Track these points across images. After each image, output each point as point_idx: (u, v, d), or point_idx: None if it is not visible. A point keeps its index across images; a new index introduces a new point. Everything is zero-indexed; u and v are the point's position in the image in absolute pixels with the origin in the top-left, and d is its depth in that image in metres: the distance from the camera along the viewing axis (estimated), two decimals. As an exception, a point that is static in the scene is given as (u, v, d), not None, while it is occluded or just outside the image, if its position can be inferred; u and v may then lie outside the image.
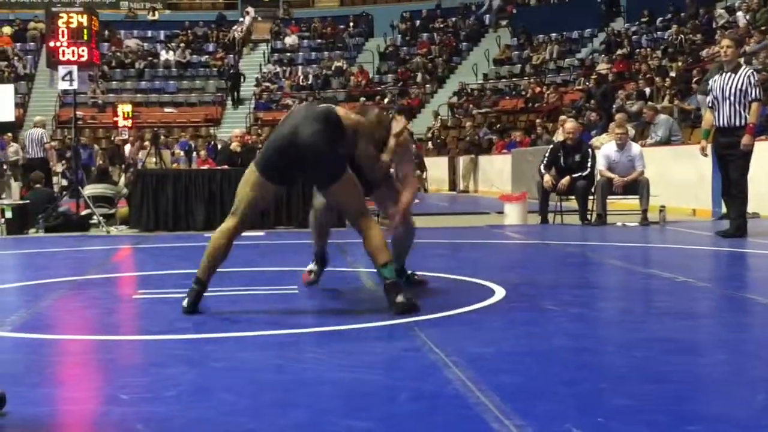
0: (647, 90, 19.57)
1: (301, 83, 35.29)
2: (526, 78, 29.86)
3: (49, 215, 11.84)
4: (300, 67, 36.45)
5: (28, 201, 12.44)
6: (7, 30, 36.92)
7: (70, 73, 12.28)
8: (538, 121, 23.81)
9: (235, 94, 34.27)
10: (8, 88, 31.21)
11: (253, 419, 2.94)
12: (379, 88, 34.27)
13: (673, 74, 19.91)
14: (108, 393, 3.36)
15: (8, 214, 11.46)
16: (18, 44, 36.47)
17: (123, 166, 23.57)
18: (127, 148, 25.95)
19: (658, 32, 26.58)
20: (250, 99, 34.24)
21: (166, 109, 34.07)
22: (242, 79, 34.78)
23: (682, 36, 23.67)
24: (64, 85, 12.36)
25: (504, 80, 31.18)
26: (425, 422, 2.85)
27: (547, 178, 11.46)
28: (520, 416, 2.83)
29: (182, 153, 25.05)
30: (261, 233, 10.46)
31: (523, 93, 28.40)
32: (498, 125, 26.39)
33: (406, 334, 4.27)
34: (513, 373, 3.50)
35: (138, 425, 2.84)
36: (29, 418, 3.05)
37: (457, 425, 2.80)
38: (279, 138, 4.83)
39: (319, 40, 38.20)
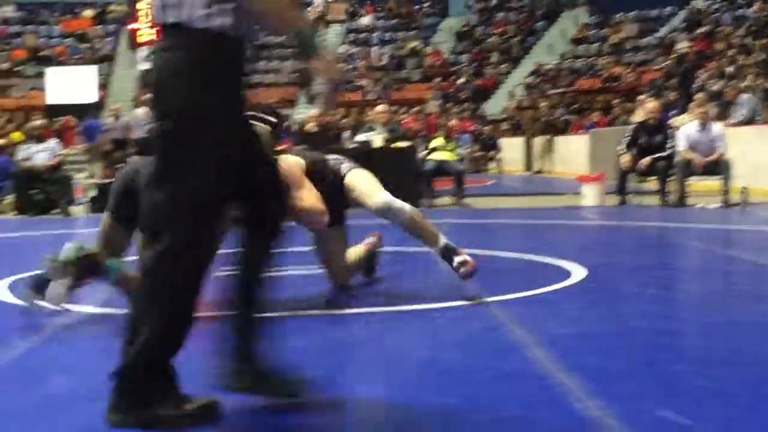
0: (729, 69, 19.16)
1: (375, 64, 35.33)
2: (603, 57, 29.45)
3: (131, 194, 12.07)
4: (375, 48, 36.47)
5: (112, 180, 12.71)
6: (88, 13, 37.58)
7: (150, 54, 12.49)
8: (615, 101, 23.47)
9: (308, 90, 33.90)
10: (92, 70, 32.00)
11: (335, 392, 2.99)
12: (453, 69, 34.13)
13: (756, 52, 19.44)
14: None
15: (93, 193, 11.75)
16: (99, 26, 37.11)
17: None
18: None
19: (741, 9, 25.97)
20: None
21: (244, 90, 34.38)
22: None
23: (767, 13, 23.09)
24: (144, 66, 12.60)
25: (581, 60, 30.79)
26: (507, 401, 2.87)
27: (627, 158, 11.34)
28: (603, 397, 2.83)
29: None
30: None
31: (601, 73, 28.02)
32: (575, 105, 26.09)
33: (485, 314, 4.29)
34: (594, 353, 3.50)
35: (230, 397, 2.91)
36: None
37: (539, 405, 2.81)
38: None
39: (394, 20, 38.13)
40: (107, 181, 12.88)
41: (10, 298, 4.97)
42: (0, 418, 2.71)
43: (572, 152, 21.82)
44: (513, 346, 3.61)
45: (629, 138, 11.56)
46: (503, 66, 33.29)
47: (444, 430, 2.58)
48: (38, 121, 14.60)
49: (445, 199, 12.51)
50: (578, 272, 5.56)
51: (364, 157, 11.61)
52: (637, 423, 2.59)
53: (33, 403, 2.89)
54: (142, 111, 17.77)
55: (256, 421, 2.76)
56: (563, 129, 24.20)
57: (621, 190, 11.64)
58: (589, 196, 11.73)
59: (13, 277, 5.70)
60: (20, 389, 3.07)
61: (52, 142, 12.39)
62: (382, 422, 2.65)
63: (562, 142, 23.35)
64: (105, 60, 35.37)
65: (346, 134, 16.14)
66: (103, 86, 33.60)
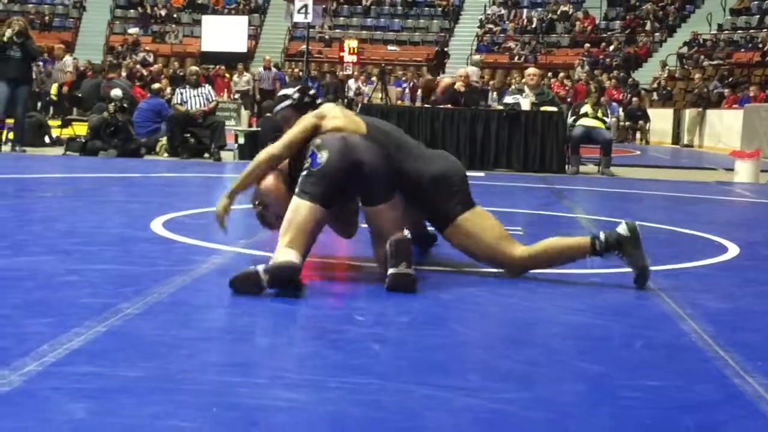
0: None
1: (525, 26, 34.82)
2: (765, 30, 28.23)
3: (278, 143, 12.30)
4: (525, 10, 35.92)
5: (259, 128, 12.97)
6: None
7: (305, 6, 12.64)
8: (775, 76, 22.54)
9: (439, 72, 32.47)
10: (242, 20, 32.67)
11: (485, 352, 2.98)
12: (604, 35, 33.33)
13: None
14: (344, 314, 3.49)
15: (241, 140, 12.00)
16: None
17: (345, 100, 24.13)
18: (351, 82, 26.55)
19: None
20: (472, 41, 34.13)
21: (390, 47, 34.46)
22: (446, 57, 33.16)
23: None
24: (299, 18, 12.75)
25: (740, 31, 29.58)
26: (661, 371, 2.79)
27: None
28: (762, 375, 2.73)
29: (407, 90, 25.29)
30: (481, 174, 10.48)
31: (761, 45, 26.87)
32: (730, 79, 25.15)
33: (637, 283, 4.19)
34: (753, 331, 3.38)
35: (375, 346, 2.94)
36: (270, 327, 3.22)
37: (696, 377, 2.73)
38: None
39: (546, -18, 37.46)
40: (254, 129, 13.18)
41: (166, 234, 5.14)
42: (160, 348, 2.81)
43: (724, 127, 21.10)
44: (667, 317, 3.52)
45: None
46: (657, 34, 32.31)
47: (594, 397, 2.53)
48: (195, 67, 14.97)
49: (591, 167, 12.28)
50: (733, 248, 5.37)
51: (512, 120, 11.58)
52: (800, 405, 2.48)
53: (187, 336, 2.97)
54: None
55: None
56: (716, 102, 23.38)
57: (777, 168, 11.23)
58: (743, 172, 11.32)
59: (167, 216, 5.88)
60: (176, 323, 3.16)
61: (207, 88, 12.69)
62: (532, 385, 2.62)
63: (714, 115, 22.58)
64: (257, 11, 36.02)
65: (493, 95, 16.04)
66: (254, 37, 34.29)
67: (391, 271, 3.75)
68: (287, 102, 4.43)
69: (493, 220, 4.28)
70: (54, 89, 20.75)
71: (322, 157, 3.87)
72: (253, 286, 3.55)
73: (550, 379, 2.66)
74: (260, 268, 3.56)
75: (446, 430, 2.20)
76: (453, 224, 4.17)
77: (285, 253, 3.65)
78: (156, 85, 15.08)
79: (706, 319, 3.43)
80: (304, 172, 3.90)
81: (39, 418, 2.14)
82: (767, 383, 2.64)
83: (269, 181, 4.23)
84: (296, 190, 3.91)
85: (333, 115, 4.25)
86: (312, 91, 4.60)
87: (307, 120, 4.21)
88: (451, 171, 4.27)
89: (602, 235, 4.03)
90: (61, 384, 2.39)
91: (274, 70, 25.64)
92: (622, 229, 3.99)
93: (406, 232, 3.84)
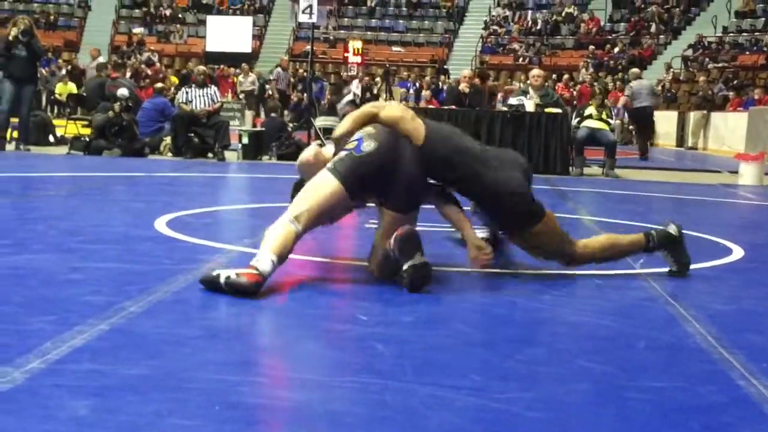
0: None
1: (529, 28, 34.79)
2: (769, 33, 28.20)
3: (282, 143, 12.31)
4: (530, 12, 35.91)
5: (263, 129, 12.97)
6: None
7: (310, 6, 12.65)
8: (780, 79, 22.50)
9: (438, 83, 31.93)
10: (247, 21, 32.70)
11: (488, 351, 2.97)
12: (609, 37, 33.29)
13: None
14: (347, 313, 3.48)
15: (245, 140, 12.00)
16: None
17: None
18: (354, 83, 26.56)
19: None
20: (476, 42, 34.11)
21: (394, 48, 34.44)
22: (447, 75, 32.61)
23: None
24: (303, 18, 12.75)
25: (745, 34, 29.54)
26: (665, 373, 2.78)
27: (791, 139, 10.89)
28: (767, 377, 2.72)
29: (411, 91, 25.27)
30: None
31: (766, 48, 26.84)
32: (735, 81, 25.12)
33: (641, 285, 4.18)
34: (758, 332, 3.37)
35: (378, 345, 2.93)
36: (273, 326, 3.21)
37: (700, 379, 2.71)
38: None
39: (551, -16, 37.43)
40: (259, 129, 13.18)
41: (170, 233, 5.13)
42: (162, 346, 2.80)
43: (728, 130, 21.05)
44: (670, 318, 3.51)
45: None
46: (662, 36, 32.27)
47: (598, 397, 2.52)
48: (202, 67, 14.97)
49: (595, 169, 12.27)
50: (738, 251, 5.36)
51: (516, 121, 11.56)
52: (805, 407, 2.47)
53: (190, 334, 2.97)
54: None
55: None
56: (721, 105, 23.35)
57: (780, 170, 11.22)
58: (747, 175, 11.31)
59: (171, 215, 5.88)
60: (179, 321, 3.16)
61: (213, 89, 12.67)
62: (535, 385, 2.61)
63: (718, 118, 22.54)
64: (261, 11, 36.03)
65: (498, 96, 16.02)
66: (258, 37, 34.32)
67: (410, 263, 3.68)
68: (349, 97, 4.51)
69: (557, 223, 4.23)
70: (59, 88, 20.80)
71: (369, 146, 3.91)
72: (214, 288, 3.57)
73: (554, 379, 2.65)
74: (222, 276, 3.54)
75: (449, 429, 2.19)
76: (520, 234, 4.21)
77: (263, 259, 3.62)
78: (159, 85, 15.08)
79: (710, 321, 3.42)
80: (344, 152, 3.95)
81: (41, 416, 2.13)
82: (772, 385, 2.63)
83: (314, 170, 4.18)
84: (329, 165, 3.95)
85: (392, 107, 4.20)
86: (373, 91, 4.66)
87: (366, 108, 4.18)
88: (518, 181, 4.09)
89: (654, 234, 4.30)
90: (64, 381, 2.39)
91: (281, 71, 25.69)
92: (672, 229, 4.30)
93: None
